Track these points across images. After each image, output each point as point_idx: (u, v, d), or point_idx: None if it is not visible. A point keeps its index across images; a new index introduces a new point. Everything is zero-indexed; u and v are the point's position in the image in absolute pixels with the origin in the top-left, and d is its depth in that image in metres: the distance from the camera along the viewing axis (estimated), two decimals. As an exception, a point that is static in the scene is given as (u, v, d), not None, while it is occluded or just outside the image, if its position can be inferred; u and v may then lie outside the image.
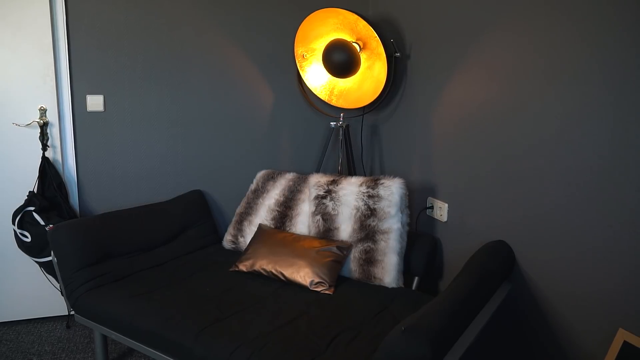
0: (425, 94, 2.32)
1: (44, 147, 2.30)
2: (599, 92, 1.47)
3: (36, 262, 2.26)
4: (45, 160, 2.30)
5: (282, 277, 2.03)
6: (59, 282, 2.03)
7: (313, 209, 2.22)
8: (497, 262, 1.73)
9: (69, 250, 1.98)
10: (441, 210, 2.23)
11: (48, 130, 2.32)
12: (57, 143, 2.36)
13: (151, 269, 2.17)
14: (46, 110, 2.30)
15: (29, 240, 2.21)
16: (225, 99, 2.61)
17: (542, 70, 1.66)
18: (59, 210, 2.32)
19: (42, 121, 2.29)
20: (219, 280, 2.04)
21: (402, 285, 2.05)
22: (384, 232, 2.05)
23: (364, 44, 2.39)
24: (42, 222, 2.20)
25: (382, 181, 2.12)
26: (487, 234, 1.97)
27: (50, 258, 2.21)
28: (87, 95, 2.36)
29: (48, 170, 2.31)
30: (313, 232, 2.21)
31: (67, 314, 2.49)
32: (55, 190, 2.31)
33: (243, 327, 1.67)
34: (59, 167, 2.37)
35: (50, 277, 2.43)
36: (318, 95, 2.61)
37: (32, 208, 2.22)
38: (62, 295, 2.04)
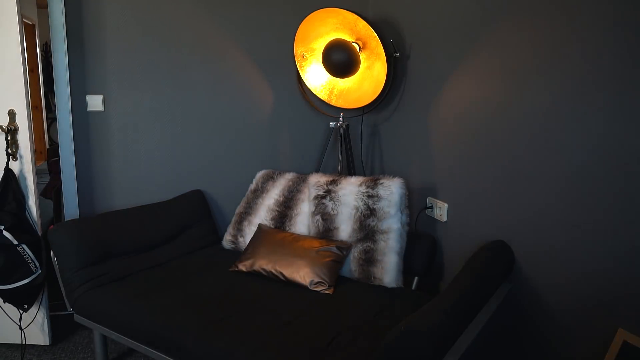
0: (425, 94, 2.32)
1: (11, 157, 2.03)
2: (597, 90, 1.47)
3: (1, 290, 1.99)
4: (8, 172, 2.04)
5: (282, 277, 2.03)
6: (59, 282, 2.03)
7: (313, 209, 2.22)
8: (497, 262, 1.74)
9: (68, 250, 1.98)
10: (441, 210, 2.23)
11: (18, 138, 2.05)
12: (27, 152, 2.04)
13: (151, 269, 2.17)
14: (16, 114, 2.05)
15: None
16: (225, 98, 2.61)
17: (542, 70, 1.66)
18: (24, 228, 2.07)
19: (11, 127, 2.03)
20: (219, 280, 2.04)
21: (402, 285, 2.05)
22: (383, 232, 2.05)
23: (364, 44, 2.39)
24: (14, 242, 2.00)
25: (381, 181, 2.12)
26: (487, 234, 1.97)
27: (20, 283, 2.03)
28: (87, 95, 2.36)
29: (11, 184, 2.04)
30: (313, 232, 2.22)
31: (20, 343, 2.23)
32: (15, 208, 2.04)
33: (243, 327, 1.67)
34: (24, 182, 2.09)
35: (5, 305, 2.15)
36: (318, 95, 2.61)
37: (2, 227, 1.99)
38: (62, 294, 2.04)
